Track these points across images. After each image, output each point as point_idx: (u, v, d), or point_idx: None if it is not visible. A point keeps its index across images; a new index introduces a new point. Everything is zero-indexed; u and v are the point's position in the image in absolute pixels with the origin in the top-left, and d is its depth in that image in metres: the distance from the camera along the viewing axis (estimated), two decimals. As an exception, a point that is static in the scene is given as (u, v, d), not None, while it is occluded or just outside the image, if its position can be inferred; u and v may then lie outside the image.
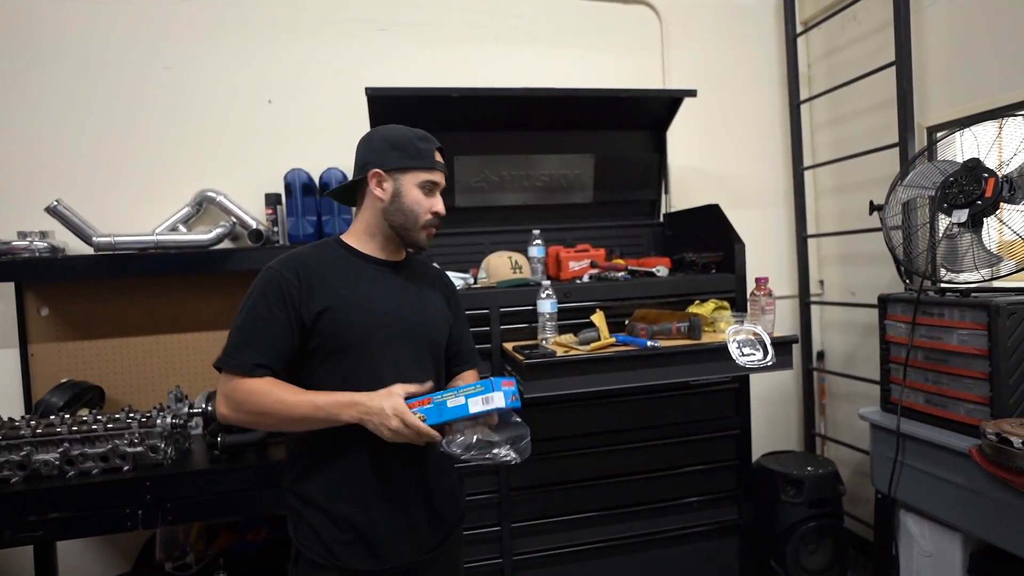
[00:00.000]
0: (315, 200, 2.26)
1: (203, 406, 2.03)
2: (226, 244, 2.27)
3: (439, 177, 1.29)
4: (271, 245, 2.24)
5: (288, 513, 1.27)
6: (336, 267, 1.24)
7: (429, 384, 1.18)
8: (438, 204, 1.28)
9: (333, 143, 2.41)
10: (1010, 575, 1.66)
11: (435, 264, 1.55)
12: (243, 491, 1.82)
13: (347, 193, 1.34)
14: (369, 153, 1.27)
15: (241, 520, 2.24)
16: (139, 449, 1.81)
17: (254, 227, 2.22)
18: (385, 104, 2.14)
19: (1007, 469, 1.53)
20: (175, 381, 2.27)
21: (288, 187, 2.23)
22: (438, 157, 1.29)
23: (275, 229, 2.27)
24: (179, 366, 2.32)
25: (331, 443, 1.20)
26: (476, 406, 1.11)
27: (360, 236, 1.30)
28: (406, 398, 1.12)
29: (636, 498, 2.15)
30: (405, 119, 2.25)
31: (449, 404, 1.11)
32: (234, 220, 2.25)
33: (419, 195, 1.25)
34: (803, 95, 2.86)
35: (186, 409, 2.03)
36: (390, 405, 1.09)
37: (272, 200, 2.29)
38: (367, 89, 2.06)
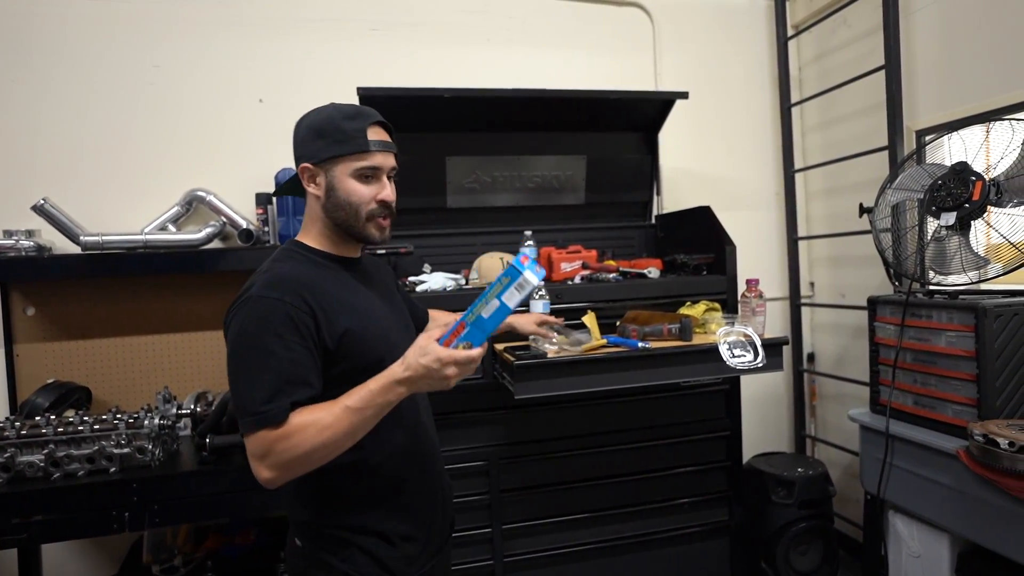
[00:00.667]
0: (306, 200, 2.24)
1: (191, 407, 2.01)
2: (216, 244, 2.26)
3: (379, 160, 1.09)
4: (261, 245, 2.23)
5: (325, 547, 1.10)
6: (324, 278, 1.09)
7: (453, 320, 1.03)
8: (383, 190, 1.10)
9: (325, 143, 2.40)
10: (998, 574, 1.68)
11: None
12: (232, 493, 1.80)
13: (298, 190, 1.17)
14: (296, 145, 1.13)
15: (230, 522, 2.22)
16: (126, 450, 1.79)
17: (244, 227, 2.20)
18: (377, 104, 2.07)
19: (994, 470, 1.54)
20: (164, 382, 2.25)
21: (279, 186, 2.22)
22: (375, 135, 1.10)
23: (265, 229, 2.26)
24: (168, 367, 2.30)
25: (368, 462, 1.09)
26: (513, 298, 0.97)
27: (318, 237, 1.14)
28: (438, 340, 0.98)
29: (627, 499, 2.16)
30: (397, 119, 2.24)
31: (485, 315, 0.97)
32: (224, 220, 2.24)
33: (354, 185, 1.08)
34: (794, 98, 2.88)
35: (174, 410, 2.01)
36: (433, 359, 0.95)
37: (263, 200, 2.27)
38: (359, 89, 2.05)
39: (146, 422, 1.84)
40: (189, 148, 2.32)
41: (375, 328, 1.11)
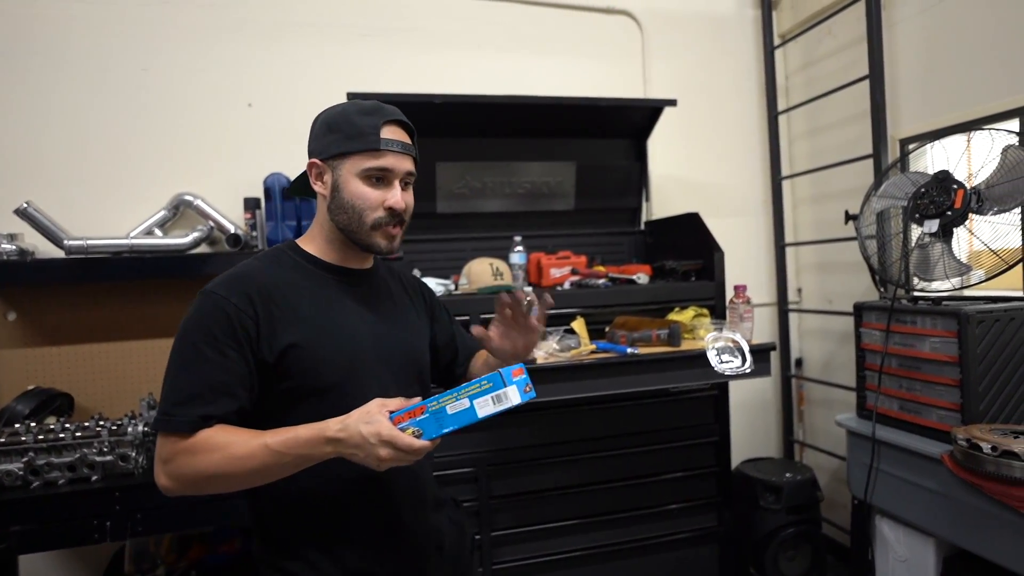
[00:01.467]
0: (295, 204, 2.23)
1: (177, 414, 1.99)
2: (203, 248, 2.24)
3: (390, 161, 0.98)
4: (250, 249, 2.21)
5: None
6: (296, 285, 0.99)
7: (416, 399, 0.91)
8: (392, 196, 0.99)
9: (314, 147, 2.40)
10: (982, 579, 1.69)
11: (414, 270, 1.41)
12: (216, 501, 1.78)
13: (309, 188, 1.08)
14: (310, 140, 1.04)
15: (214, 531, 2.19)
16: (108, 458, 1.77)
17: (232, 231, 2.19)
18: (366, 109, 2.13)
19: (977, 474, 1.55)
20: (148, 388, 2.22)
21: (268, 191, 2.21)
22: (390, 133, 0.99)
23: (254, 234, 2.24)
24: (153, 373, 2.27)
25: (310, 496, 0.97)
26: (485, 408, 0.89)
27: (317, 240, 1.06)
28: (391, 413, 0.88)
29: (616, 506, 2.15)
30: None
31: (450, 410, 0.89)
32: (212, 224, 2.22)
33: (361, 187, 0.98)
34: (781, 106, 2.91)
35: (158, 417, 1.98)
36: (372, 432, 0.83)
37: (251, 204, 2.26)
38: (349, 94, 2.05)
39: (130, 429, 1.82)
40: (177, 152, 2.30)
41: (336, 350, 0.98)
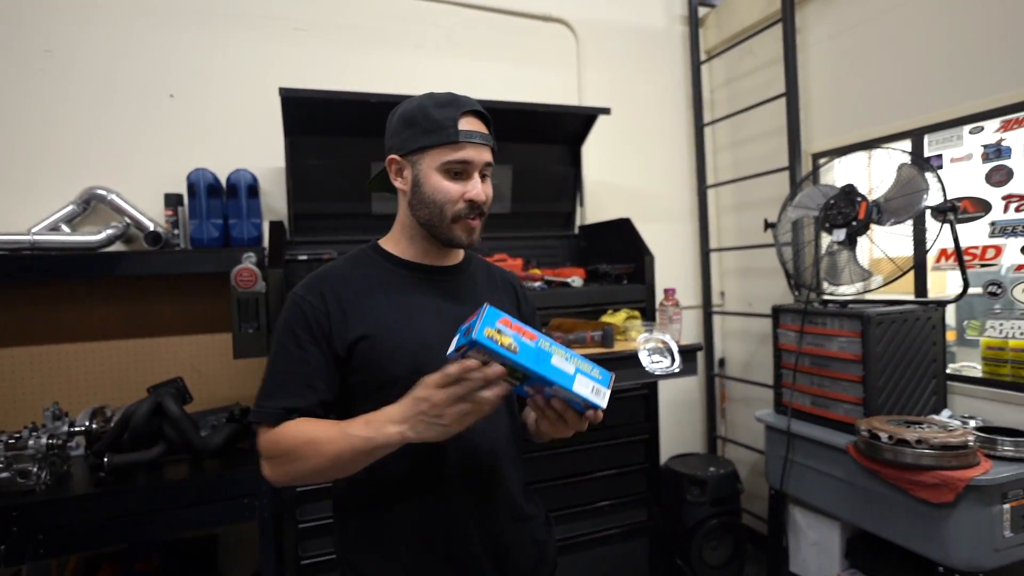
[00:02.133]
0: (221, 202, 2.13)
1: (86, 424, 1.85)
2: (119, 247, 2.09)
3: (469, 153, 0.98)
4: (171, 249, 2.09)
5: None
6: (373, 282, 1.02)
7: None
8: (473, 188, 0.99)
9: (243, 143, 2.30)
10: (879, 555, 1.85)
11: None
12: (133, 516, 1.67)
13: (390, 185, 1.08)
14: (387, 136, 1.05)
15: (128, 549, 2.05)
16: (5, 475, 1.62)
17: (152, 229, 2.06)
18: (300, 106, 2.07)
19: (877, 461, 1.70)
20: (53, 397, 2.05)
21: (191, 187, 2.10)
22: (468, 125, 0.99)
23: (176, 232, 2.12)
24: (59, 381, 2.10)
25: (371, 493, 1.00)
26: (582, 388, 0.81)
27: (399, 239, 1.07)
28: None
29: (549, 505, 2.17)
30: (320, 123, 2.22)
31: (554, 361, 0.80)
32: (128, 221, 2.08)
33: (441, 181, 0.98)
34: (707, 118, 3.06)
35: (65, 428, 1.83)
36: (418, 391, 0.82)
37: (173, 201, 2.14)
38: (281, 89, 1.98)
39: (31, 442, 1.67)
40: (87, 143, 2.14)
41: (405, 344, 0.97)
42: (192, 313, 2.24)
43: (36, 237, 1.94)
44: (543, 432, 0.97)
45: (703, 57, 3.06)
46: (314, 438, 0.89)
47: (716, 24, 3.00)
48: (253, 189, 2.17)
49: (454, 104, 0.99)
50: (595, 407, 0.84)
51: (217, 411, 2.08)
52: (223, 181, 2.16)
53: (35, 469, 1.65)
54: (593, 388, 0.82)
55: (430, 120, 0.98)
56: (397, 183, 1.04)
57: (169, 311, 2.21)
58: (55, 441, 1.74)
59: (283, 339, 0.97)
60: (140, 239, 2.08)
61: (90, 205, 2.08)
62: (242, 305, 1.81)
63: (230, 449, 1.89)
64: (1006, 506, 1.57)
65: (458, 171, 0.99)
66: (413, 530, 0.99)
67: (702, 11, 3.05)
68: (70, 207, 2.06)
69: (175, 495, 1.70)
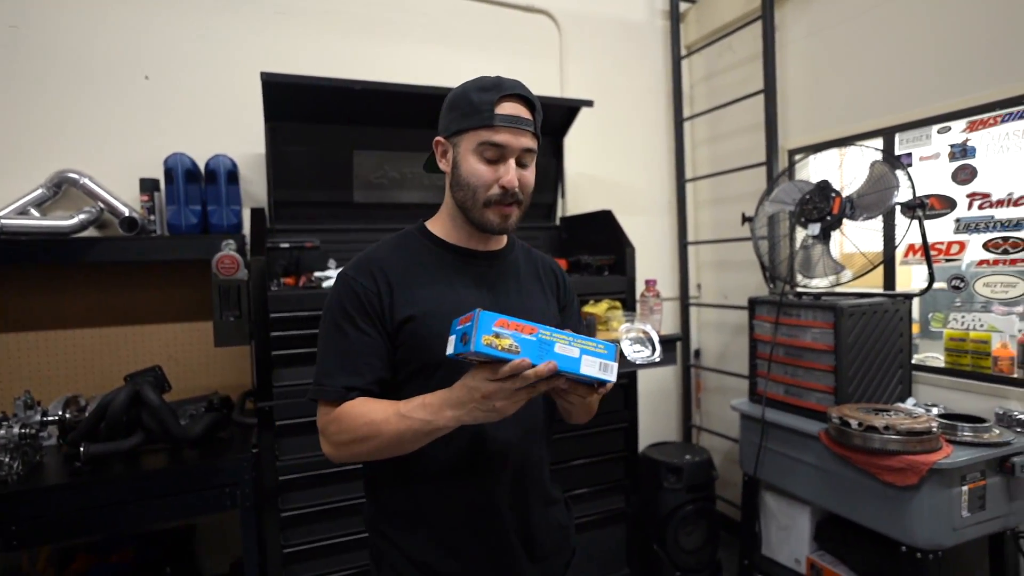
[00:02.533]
0: (200, 188, 2.09)
1: (59, 413, 1.80)
2: (92, 232, 2.04)
3: (503, 137, 0.97)
4: (147, 235, 2.05)
5: (370, 548, 1.11)
6: (419, 264, 1.04)
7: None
8: (507, 174, 0.98)
9: (222, 128, 2.25)
10: (846, 537, 1.93)
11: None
12: (109, 506, 1.64)
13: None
14: (440, 118, 1.06)
15: (104, 540, 2.01)
16: (-24, 465, 1.58)
17: (127, 214, 2.01)
18: (282, 91, 2.04)
19: (847, 447, 1.77)
20: (25, 386, 1.99)
21: (169, 172, 2.05)
22: (508, 109, 0.98)
23: (152, 218, 2.07)
24: (31, 369, 2.05)
25: (409, 472, 1.02)
26: (589, 368, 0.83)
27: (444, 221, 1.08)
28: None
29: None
30: (302, 109, 2.19)
31: (557, 349, 0.82)
32: (102, 206, 2.03)
33: (475, 164, 0.98)
34: (686, 113, 3.11)
35: (38, 417, 1.79)
36: (469, 379, 0.84)
37: (149, 186, 2.08)
38: (263, 74, 1.95)
39: (2, 432, 1.63)
40: (57, 123, 2.07)
41: (439, 328, 0.94)
42: (169, 301, 2.20)
43: (4, 221, 1.88)
44: (570, 412, 1.03)
45: (683, 52, 3.10)
46: (374, 419, 0.92)
47: (697, 20, 3.04)
48: (233, 175, 2.13)
49: (495, 88, 0.99)
50: (605, 383, 0.86)
51: (195, 400, 2.06)
52: (201, 167, 2.11)
53: (7, 459, 1.62)
54: (600, 365, 0.84)
55: (469, 103, 0.99)
56: (441, 164, 1.06)
57: (145, 298, 2.17)
58: (27, 431, 1.70)
59: (338, 319, 0.99)
60: (114, 225, 2.03)
61: (61, 189, 2.02)
62: (223, 293, 1.79)
63: (210, 438, 1.87)
64: (964, 488, 1.65)
65: (492, 156, 0.98)
66: (449, 507, 1.02)
67: (683, 6, 3.08)
68: (40, 191, 1.99)
69: (154, 485, 1.67)
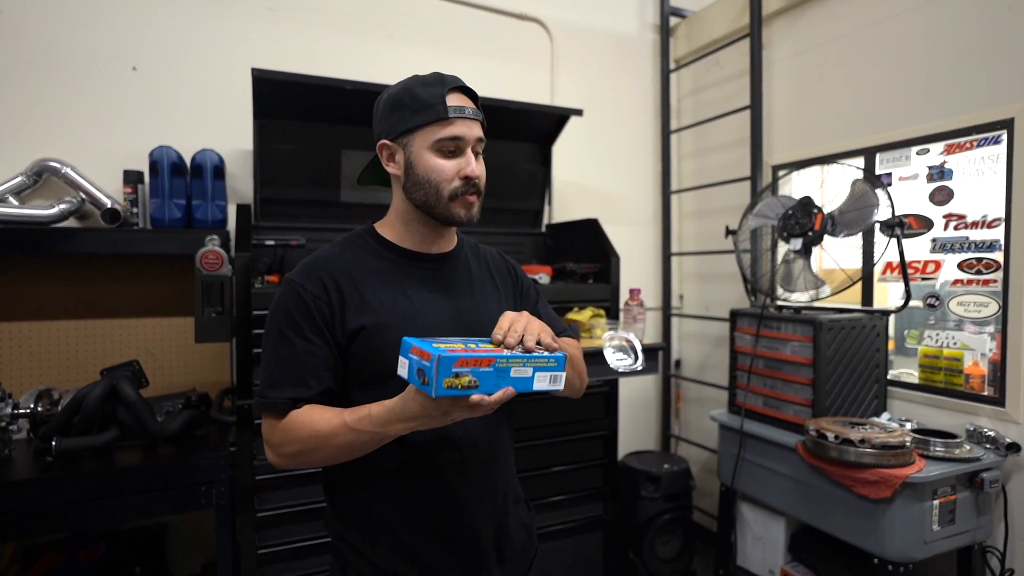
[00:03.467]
0: (185, 182, 2.07)
1: (31, 406, 1.76)
2: (72, 223, 2.00)
3: (460, 129, 0.97)
4: (129, 227, 2.02)
5: (332, 554, 1.07)
6: (369, 271, 1.00)
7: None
8: (468, 165, 0.98)
9: (210, 122, 2.23)
10: (820, 549, 1.96)
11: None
12: (79, 503, 1.60)
13: (382, 175, 1.07)
14: (375, 122, 1.03)
15: (71, 537, 1.96)
16: (-61, 458, 1.53)
17: (109, 206, 1.98)
18: (272, 87, 2.03)
19: (823, 460, 1.80)
20: (-7, 378, 1.95)
21: (154, 165, 2.02)
22: (456, 100, 0.98)
23: (135, 210, 2.04)
24: (3, 361, 2.00)
25: (370, 473, 0.99)
26: (541, 383, 0.87)
27: (395, 226, 1.05)
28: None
29: (511, 497, 2.21)
30: (291, 107, 2.18)
31: (513, 373, 0.85)
32: (84, 196, 1.99)
33: (434, 159, 0.97)
34: (673, 125, 3.15)
35: (9, 410, 1.74)
36: (428, 405, 0.83)
37: (133, 178, 2.05)
38: (254, 70, 1.94)
39: (-35, 425, 1.59)
40: (40, 111, 2.04)
41: (402, 336, 0.91)
42: (149, 295, 2.16)
43: (-19, 208, 1.84)
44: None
45: (672, 66, 3.15)
46: (320, 430, 0.90)
47: (686, 35, 3.09)
48: (219, 170, 2.11)
49: (440, 82, 0.98)
50: (553, 392, 0.89)
51: (173, 397, 2.02)
52: (187, 161, 2.09)
53: (-29, 453, 1.58)
54: (551, 377, 0.87)
55: (417, 100, 0.97)
56: (390, 168, 1.02)
57: (125, 292, 2.13)
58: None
59: (283, 328, 0.96)
60: (96, 216, 2.00)
61: (42, 178, 1.98)
62: (206, 288, 1.77)
63: (187, 435, 1.84)
64: (935, 502, 1.69)
65: (451, 149, 0.98)
66: (413, 508, 0.99)
67: (673, 21, 3.13)
68: (19, 178, 1.96)
69: (127, 481, 1.64)
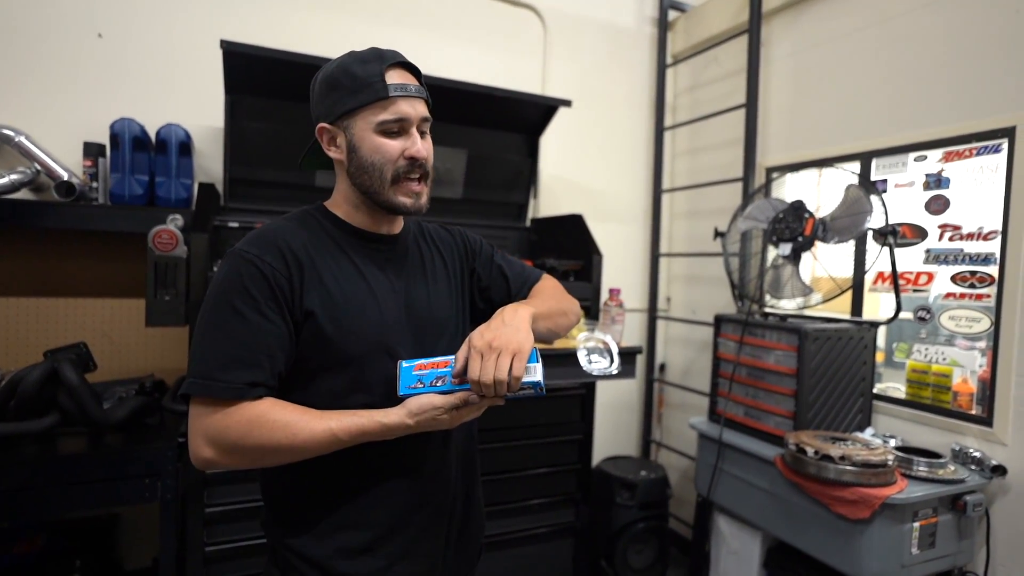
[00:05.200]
0: (148, 157, 1.97)
1: (-30, 387, 1.67)
2: (25, 194, 1.90)
3: (403, 108, 0.91)
4: (87, 202, 1.92)
5: (271, 561, 0.99)
6: (324, 250, 0.94)
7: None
8: (413, 145, 0.92)
9: (177, 96, 2.13)
10: (795, 566, 1.88)
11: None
12: (13, 492, 1.51)
13: (325, 159, 1.01)
14: (312, 104, 0.97)
15: (7, 528, 1.86)
16: None
17: (66, 179, 1.88)
18: (244, 63, 1.93)
19: (801, 475, 1.72)
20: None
21: (115, 138, 1.92)
22: (397, 78, 0.91)
23: (94, 185, 1.94)
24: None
25: (332, 473, 0.93)
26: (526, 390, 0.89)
27: (343, 207, 0.99)
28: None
29: (479, 500, 2.13)
30: (265, 83, 2.08)
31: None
32: (38, 167, 1.89)
33: (378, 141, 0.91)
34: (668, 122, 3.06)
35: (-56, 390, 1.65)
36: (427, 418, 0.87)
37: (93, 151, 1.95)
38: (223, 42, 1.84)
39: (-101, 403, 1.50)
40: (-3, 77, 1.93)
41: (357, 323, 0.92)
42: (107, 275, 2.06)
43: (-74, 175, 1.74)
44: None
45: (669, 61, 3.06)
46: (297, 433, 0.84)
47: (685, 29, 3.00)
48: (185, 147, 2.01)
49: (378, 58, 0.92)
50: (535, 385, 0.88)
51: (126, 382, 1.93)
52: (152, 135, 1.99)
53: (-98, 434, 1.48)
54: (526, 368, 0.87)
55: (354, 79, 0.90)
56: (332, 153, 0.96)
57: (80, 270, 2.03)
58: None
59: (237, 302, 0.85)
60: (51, 188, 1.89)
61: (-6, 146, 1.88)
62: (159, 270, 1.67)
63: (136, 424, 1.75)
64: (916, 524, 1.61)
65: (394, 130, 0.92)
66: (365, 506, 0.95)
67: (672, 14, 3.04)
68: (-30, 146, 1.86)
69: (65, 471, 1.54)
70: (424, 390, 0.88)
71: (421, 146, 0.93)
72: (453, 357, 0.89)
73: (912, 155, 2.07)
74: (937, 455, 1.74)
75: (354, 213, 0.99)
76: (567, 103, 2.41)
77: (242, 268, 0.87)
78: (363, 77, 0.90)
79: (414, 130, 0.93)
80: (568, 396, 2.26)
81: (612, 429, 3.03)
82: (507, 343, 0.85)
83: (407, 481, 0.97)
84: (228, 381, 0.83)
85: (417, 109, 0.93)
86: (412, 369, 0.90)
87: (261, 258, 0.88)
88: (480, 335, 0.87)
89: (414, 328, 0.98)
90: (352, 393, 0.92)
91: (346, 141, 0.93)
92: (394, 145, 0.92)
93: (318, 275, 0.91)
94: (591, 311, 2.21)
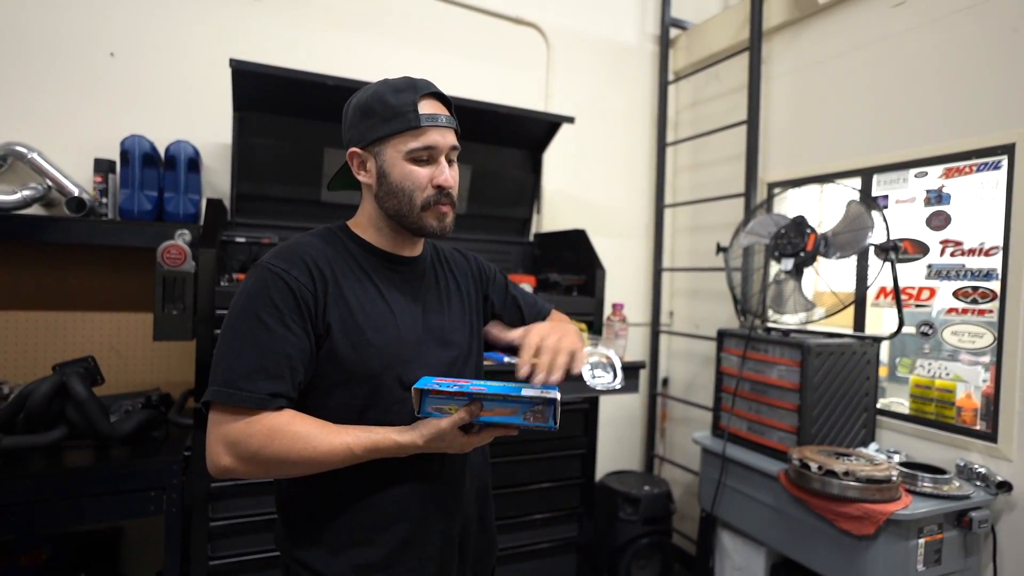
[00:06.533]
0: (157, 173, 2.00)
1: (-22, 400, 1.69)
2: (37, 210, 1.93)
3: (433, 138, 0.94)
4: (97, 217, 1.94)
5: (283, 572, 1.02)
6: (347, 268, 0.96)
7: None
8: (442, 174, 0.96)
9: (186, 113, 2.17)
10: (801, 586, 1.87)
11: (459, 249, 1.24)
12: (20, 505, 1.52)
13: (353, 181, 1.04)
14: (345, 129, 1.01)
15: (13, 540, 1.87)
16: None
17: (76, 194, 1.91)
18: (252, 81, 1.96)
19: (805, 491, 1.72)
20: (-56, 368, 1.87)
21: (125, 155, 1.95)
22: (429, 108, 0.95)
23: (104, 200, 1.97)
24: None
25: (349, 489, 0.95)
26: (529, 392, 0.91)
27: (367, 228, 1.02)
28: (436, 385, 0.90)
29: (482, 515, 2.13)
30: (272, 101, 2.12)
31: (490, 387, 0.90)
32: (50, 183, 1.92)
33: (408, 168, 0.94)
34: (670, 138, 3.09)
35: (-46, 403, 1.67)
36: (443, 445, 0.89)
37: (104, 167, 1.98)
38: (232, 61, 1.87)
39: (-90, 416, 1.51)
40: (10, 93, 1.96)
41: (382, 340, 0.94)
42: (115, 289, 2.09)
43: (-59, 191, 1.77)
44: None
45: (671, 77, 3.09)
46: (317, 447, 0.86)
47: (686, 47, 3.04)
48: (194, 163, 2.04)
49: (411, 88, 0.95)
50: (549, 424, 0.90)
51: (133, 396, 1.94)
52: (161, 151, 2.02)
53: (-89, 447, 1.49)
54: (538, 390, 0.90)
55: (388, 107, 0.94)
56: (361, 177, 0.99)
57: (89, 284, 2.05)
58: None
59: (262, 312, 0.88)
60: (62, 204, 1.92)
61: (6, 162, 1.91)
62: (167, 284, 1.69)
63: (142, 437, 1.76)
64: (921, 540, 1.61)
65: (423, 158, 0.95)
66: (375, 521, 0.96)
67: (674, 32, 3.08)
68: (-17, 162, 1.89)
69: (71, 484, 1.56)
70: (434, 415, 0.89)
71: (449, 175, 0.97)
72: (468, 380, 0.92)
73: (913, 171, 2.08)
74: (942, 471, 1.74)
75: (377, 235, 1.02)
76: (570, 120, 2.44)
77: (269, 280, 0.90)
78: (396, 106, 0.93)
79: (443, 159, 0.97)
80: (571, 411, 2.26)
81: (615, 444, 3.02)
82: (574, 341, 0.96)
83: (424, 500, 0.98)
84: (251, 391, 0.85)
85: (447, 139, 0.97)
86: (428, 390, 0.90)
87: (288, 272, 0.91)
88: (548, 328, 0.98)
89: (430, 348, 1.01)
90: (367, 409, 0.94)
91: (376, 166, 0.97)
92: (423, 173, 0.95)
93: (340, 292, 0.94)
94: (594, 325, 2.22)
